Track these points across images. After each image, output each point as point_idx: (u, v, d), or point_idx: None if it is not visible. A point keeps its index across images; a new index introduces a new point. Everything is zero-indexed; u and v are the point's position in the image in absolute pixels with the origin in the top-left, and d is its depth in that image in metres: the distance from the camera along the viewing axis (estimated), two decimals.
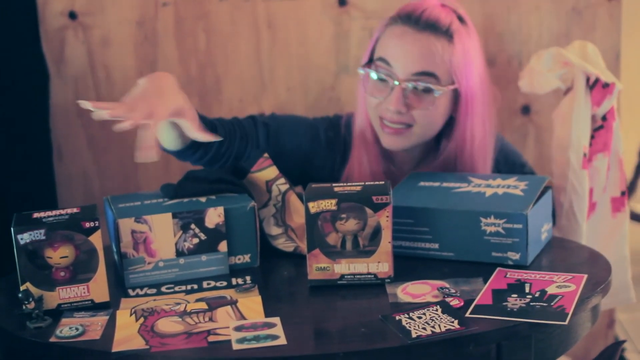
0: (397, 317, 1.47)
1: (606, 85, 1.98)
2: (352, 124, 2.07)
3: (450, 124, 2.01)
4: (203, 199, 1.77)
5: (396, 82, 1.91)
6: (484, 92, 1.99)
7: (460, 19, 1.95)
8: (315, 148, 2.07)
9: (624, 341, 1.99)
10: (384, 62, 1.94)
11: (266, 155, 1.89)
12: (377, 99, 1.96)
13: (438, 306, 1.51)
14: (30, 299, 1.51)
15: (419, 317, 1.47)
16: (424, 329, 1.43)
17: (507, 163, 2.10)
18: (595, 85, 1.98)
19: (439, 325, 1.44)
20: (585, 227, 2.02)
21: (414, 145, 2.00)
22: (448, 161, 2.02)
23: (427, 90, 1.91)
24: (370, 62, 1.99)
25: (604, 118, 2.02)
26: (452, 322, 1.45)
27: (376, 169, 2.03)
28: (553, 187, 2.04)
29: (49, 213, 1.59)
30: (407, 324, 1.45)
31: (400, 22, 1.94)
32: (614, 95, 1.99)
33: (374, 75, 1.96)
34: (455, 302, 1.52)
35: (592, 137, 2.03)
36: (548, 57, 2.04)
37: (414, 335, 1.41)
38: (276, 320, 1.48)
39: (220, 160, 1.96)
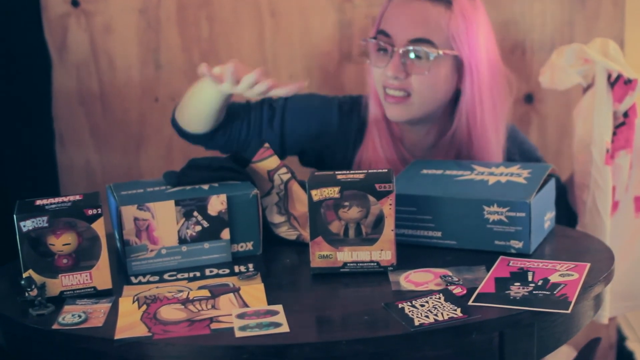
0: (400, 305, 1.47)
1: (629, 82, 1.96)
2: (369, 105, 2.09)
3: (457, 101, 2.02)
4: (206, 187, 1.77)
5: (395, 49, 1.94)
6: (492, 68, 2.00)
7: None
8: (325, 128, 2.11)
9: (599, 338, 2.00)
10: (383, 34, 1.97)
11: (267, 145, 1.88)
12: (379, 69, 1.98)
13: (441, 294, 1.51)
14: (33, 286, 1.51)
15: (422, 305, 1.47)
16: (427, 317, 1.43)
17: (523, 157, 2.10)
18: (617, 82, 1.96)
19: (442, 313, 1.44)
20: (610, 224, 2.01)
21: (417, 116, 2.00)
22: (460, 139, 2.03)
23: (421, 56, 1.94)
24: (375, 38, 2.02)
25: (625, 115, 2.00)
26: (455, 310, 1.45)
27: (388, 152, 2.04)
28: (575, 185, 2.03)
29: (51, 200, 1.59)
30: (409, 311, 1.45)
31: None
32: (636, 92, 1.97)
33: (372, 41, 1.99)
34: (458, 290, 1.52)
35: (614, 133, 2.01)
36: (570, 53, 2.02)
37: (416, 323, 1.41)
38: (279, 307, 1.48)
39: (230, 145, 2.06)
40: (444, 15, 1.94)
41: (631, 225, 2.07)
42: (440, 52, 1.94)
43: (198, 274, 1.67)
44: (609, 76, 1.97)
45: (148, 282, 1.64)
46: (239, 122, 2.10)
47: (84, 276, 1.57)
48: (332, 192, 1.61)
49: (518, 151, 2.10)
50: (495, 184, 1.76)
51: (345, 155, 2.10)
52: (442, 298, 1.49)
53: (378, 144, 2.05)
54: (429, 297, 1.50)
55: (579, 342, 2.55)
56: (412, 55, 1.94)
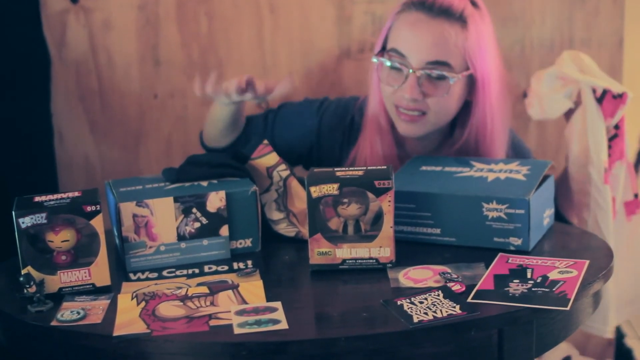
0: (399, 302, 1.47)
1: (618, 96, 1.94)
2: (365, 108, 2.08)
3: (464, 110, 2.01)
4: (205, 183, 1.76)
5: (410, 71, 1.91)
6: (498, 77, 1.98)
7: (473, 3, 1.94)
8: (305, 130, 2.15)
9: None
10: (397, 53, 1.93)
11: (266, 142, 1.88)
12: (392, 88, 1.96)
13: (440, 291, 1.51)
14: (32, 283, 1.51)
15: (421, 302, 1.47)
16: (426, 314, 1.43)
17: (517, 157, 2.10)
18: (604, 97, 1.94)
19: (441, 310, 1.44)
20: (613, 242, 2.00)
21: (429, 132, 2.00)
22: (467, 149, 2.02)
23: (442, 78, 1.91)
24: (382, 51, 1.99)
25: (616, 126, 1.99)
26: (454, 307, 1.45)
27: (389, 154, 2.04)
28: (574, 204, 2.02)
29: (50, 197, 1.59)
30: (408, 308, 1.45)
31: (413, 8, 1.93)
32: (626, 105, 1.96)
33: (387, 63, 1.96)
34: (457, 287, 1.52)
35: (609, 147, 2.00)
36: (549, 78, 2.00)
37: (415, 320, 1.41)
38: (277, 304, 1.48)
39: None
40: (460, 35, 1.90)
41: (625, 229, 2.06)
42: (460, 75, 1.92)
43: (197, 270, 1.67)
44: (594, 91, 1.95)
45: (147, 279, 1.64)
46: (243, 135, 2.16)
47: (83, 273, 1.57)
48: (331, 188, 1.61)
49: (513, 153, 2.09)
50: (495, 181, 1.76)
51: (333, 155, 2.13)
52: (441, 295, 1.49)
53: (378, 146, 2.05)
54: (427, 294, 1.50)
55: (577, 339, 2.55)
56: (430, 76, 1.92)
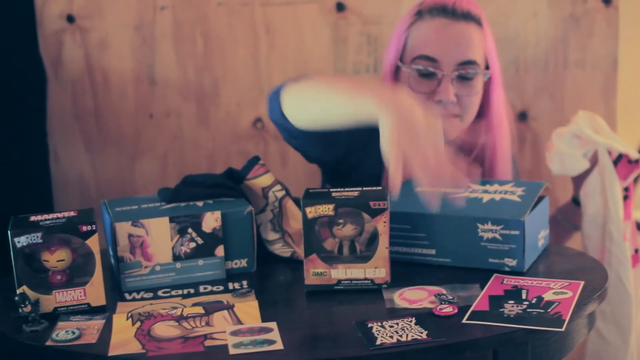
0: (370, 325, 1.46)
1: (634, 162, 1.99)
2: None
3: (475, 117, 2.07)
4: (200, 203, 1.77)
5: (445, 73, 1.96)
6: (501, 81, 2.08)
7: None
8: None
9: None
10: (426, 58, 1.97)
11: (261, 162, 1.89)
12: (424, 94, 1.99)
13: (413, 318, 1.49)
14: (27, 302, 1.51)
15: (391, 327, 1.45)
16: (392, 337, 1.41)
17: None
18: (619, 161, 1.99)
19: (407, 335, 1.42)
20: (634, 297, 2.03)
21: (458, 135, 2.05)
22: (484, 152, 2.09)
23: (470, 78, 1.98)
24: (401, 62, 2.03)
25: (626, 189, 2.03)
26: (422, 332, 1.43)
27: None
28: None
29: (46, 216, 1.59)
30: (376, 331, 1.44)
31: (435, 14, 1.99)
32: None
33: (419, 69, 1.98)
34: (447, 310, 1.51)
35: None
36: (568, 136, 2.04)
37: (404, 338, 1.40)
38: (273, 325, 1.48)
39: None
40: (480, 34, 1.99)
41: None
42: (488, 72, 2.00)
43: (192, 290, 1.67)
44: (609, 153, 2.00)
45: (142, 299, 1.64)
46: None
47: (78, 292, 1.57)
48: (327, 209, 1.61)
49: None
50: (490, 202, 1.77)
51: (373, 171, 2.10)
52: (413, 322, 1.48)
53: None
54: (402, 319, 1.49)
55: None
56: (464, 78, 1.97)
